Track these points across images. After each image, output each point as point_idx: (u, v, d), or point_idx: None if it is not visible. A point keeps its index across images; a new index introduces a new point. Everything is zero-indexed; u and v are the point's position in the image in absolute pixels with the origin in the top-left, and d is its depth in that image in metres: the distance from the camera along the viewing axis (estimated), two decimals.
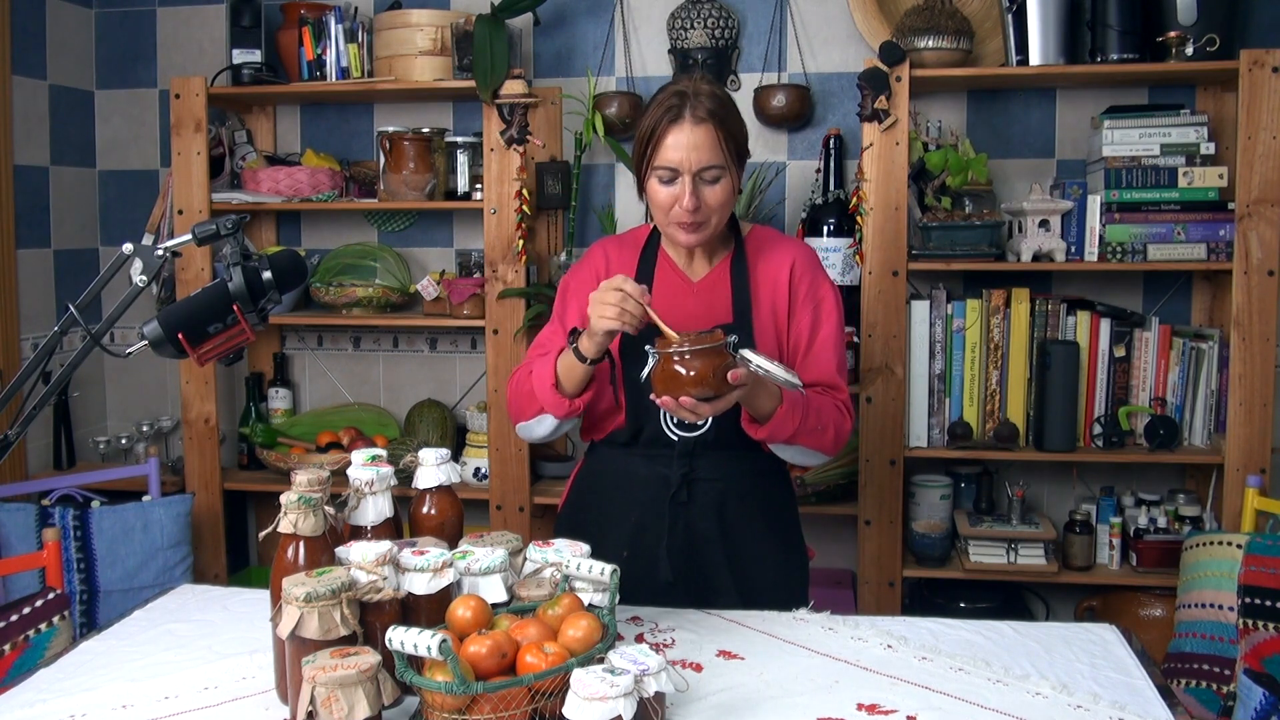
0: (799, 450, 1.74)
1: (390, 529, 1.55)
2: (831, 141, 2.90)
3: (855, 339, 2.77)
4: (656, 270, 1.84)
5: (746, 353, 1.58)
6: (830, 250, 2.83)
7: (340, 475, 1.75)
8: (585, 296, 1.80)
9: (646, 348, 1.59)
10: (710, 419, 1.75)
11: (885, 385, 2.72)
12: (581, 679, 1.19)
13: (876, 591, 2.76)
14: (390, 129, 2.95)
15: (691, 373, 1.53)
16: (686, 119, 1.69)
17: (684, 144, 1.68)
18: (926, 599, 2.84)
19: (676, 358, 1.54)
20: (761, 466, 1.82)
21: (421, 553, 1.40)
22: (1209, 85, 2.80)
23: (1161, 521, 2.74)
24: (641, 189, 1.79)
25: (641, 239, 1.88)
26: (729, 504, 1.79)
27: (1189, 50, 2.58)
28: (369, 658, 1.24)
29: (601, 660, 1.28)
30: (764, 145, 3.00)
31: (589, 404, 1.75)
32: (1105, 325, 2.73)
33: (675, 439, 1.77)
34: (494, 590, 1.43)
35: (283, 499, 1.39)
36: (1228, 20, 2.61)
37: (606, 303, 1.61)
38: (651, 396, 1.58)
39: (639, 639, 1.58)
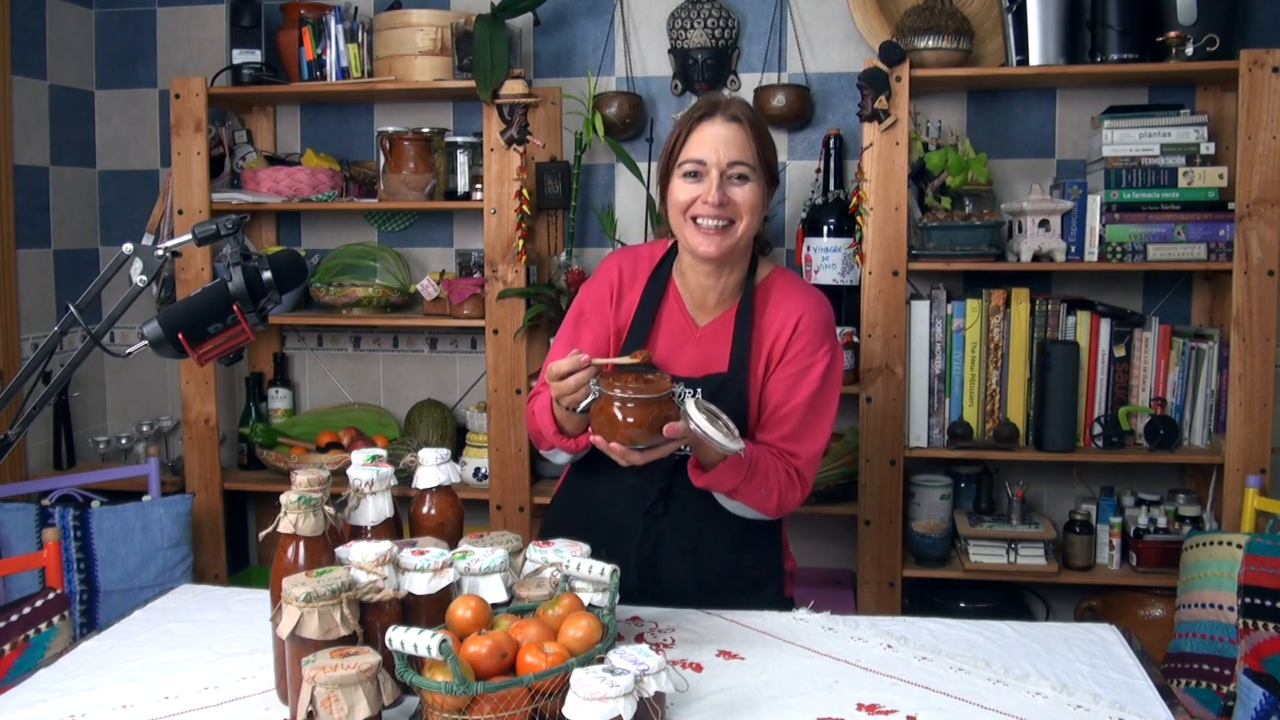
0: (738, 505, 1.72)
1: (390, 529, 1.55)
2: (831, 141, 2.90)
3: (855, 339, 2.78)
4: (663, 309, 1.80)
5: (690, 407, 1.51)
6: (830, 250, 2.83)
7: (340, 475, 1.76)
8: (600, 316, 1.80)
9: (591, 382, 1.56)
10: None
11: (885, 385, 2.72)
12: (581, 679, 1.19)
13: (876, 591, 2.76)
14: (390, 129, 2.95)
15: (629, 419, 1.50)
16: (718, 117, 1.67)
17: (712, 137, 1.66)
18: (926, 599, 2.84)
19: (617, 402, 1.50)
20: None
21: (421, 553, 1.40)
22: (1209, 85, 2.80)
23: (1161, 521, 2.74)
24: (663, 199, 1.75)
25: (657, 257, 1.84)
26: (706, 521, 1.77)
27: (1189, 50, 2.58)
28: (369, 658, 1.24)
29: (601, 660, 1.28)
30: None
31: None
32: (1105, 325, 2.73)
33: None
34: (494, 590, 1.43)
35: (283, 499, 1.39)
36: (1228, 20, 2.61)
37: (566, 391, 1.59)
38: (588, 430, 1.57)
39: (639, 639, 1.58)
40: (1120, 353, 2.73)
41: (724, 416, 1.55)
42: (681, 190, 1.69)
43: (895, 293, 2.70)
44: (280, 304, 1.82)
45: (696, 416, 1.50)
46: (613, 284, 1.83)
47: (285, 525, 1.39)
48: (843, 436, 2.87)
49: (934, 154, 2.76)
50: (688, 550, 1.78)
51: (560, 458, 1.82)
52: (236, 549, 3.24)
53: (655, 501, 1.76)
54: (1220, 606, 2.29)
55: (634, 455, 1.53)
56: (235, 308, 1.48)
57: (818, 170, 2.94)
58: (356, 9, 3.03)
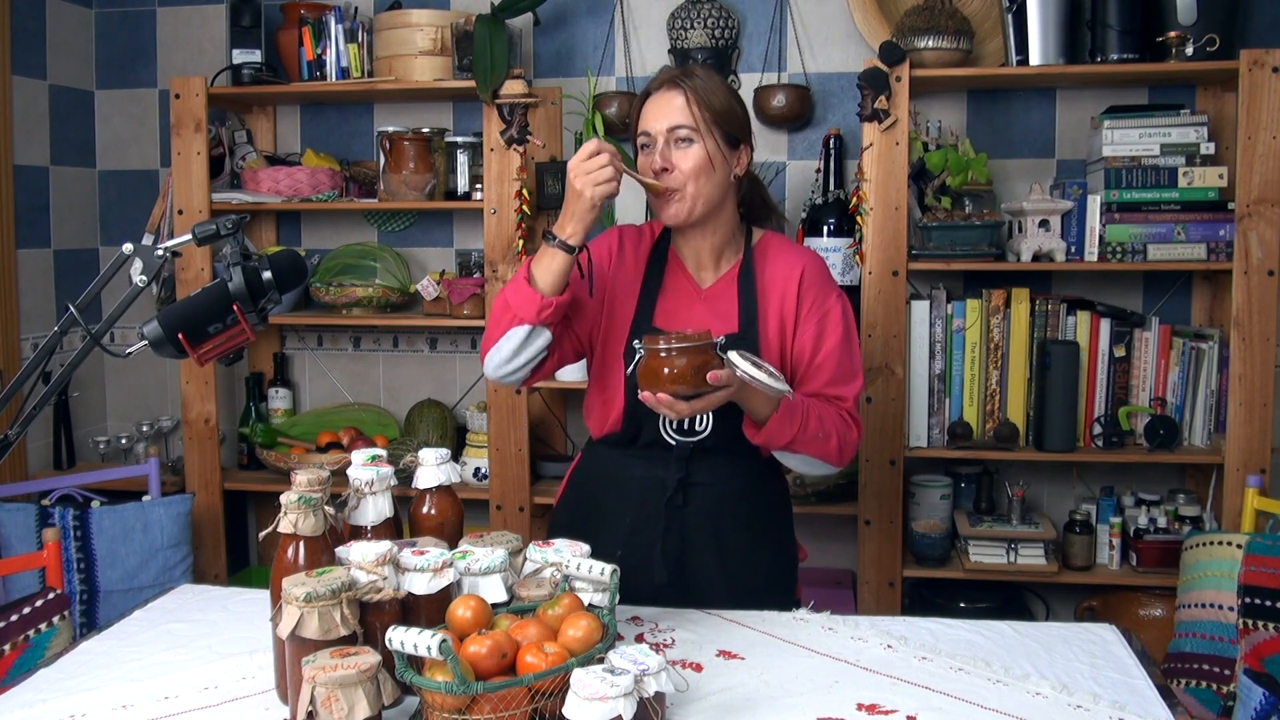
0: (802, 459, 1.73)
1: (390, 529, 1.55)
2: (831, 141, 2.90)
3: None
4: (666, 274, 1.83)
5: (732, 355, 1.55)
6: (830, 250, 2.83)
7: (340, 475, 1.76)
8: (601, 257, 1.82)
9: (635, 343, 1.59)
10: (710, 425, 1.75)
11: (885, 385, 2.72)
12: (581, 679, 1.19)
13: (876, 591, 2.76)
14: (390, 129, 2.95)
15: (673, 370, 1.53)
16: (663, 88, 1.75)
17: (654, 110, 1.74)
18: (926, 599, 2.84)
19: (663, 354, 1.54)
20: (757, 470, 1.82)
21: (421, 553, 1.40)
22: (1209, 85, 2.80)
23: (1161, 521, 2.74)
24: None
25: (657, 231, 1.88)
26: (724, 508, 1.79)
27: (1189, 50, 2.58)
28: (369, 658, 1.24)
29: (601, 660, 1.28)
30: (764, 145, 3.00)
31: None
32: (1105, 325, 2.73)
33: (672, 443, 1.77)
34: (494, 590, 1.43)
35: (283, 499, 1.39)
36: (1228, 20, 2.61)
37: (596, 168, 1.62)
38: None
39: (639, 639, 1.58)
40: (1120, 353, 2.73)
41: (767, 364, 1.58)
42: (641, 164, 1.76)
43: (895, 293, 2.70)
44: (280, 304, 1.82)
45: (741, 362, 1.54)
46: (612, 246, 1.86)
47: (285, 525, 1.39)
48: None
49: (934, 154, 2.76)
50: (712, 541, 1.78)
51: (511, 342, 1.68)
52: (236, 549, 3.24)
53: (675, 493, 1.76)
54: (1220, 606, 2.29)
55: (681, 405, 1.54)
56: (235, 308, 1.48)
57: (818, 170, 2.94)
58: (356, 9, 3.03)
